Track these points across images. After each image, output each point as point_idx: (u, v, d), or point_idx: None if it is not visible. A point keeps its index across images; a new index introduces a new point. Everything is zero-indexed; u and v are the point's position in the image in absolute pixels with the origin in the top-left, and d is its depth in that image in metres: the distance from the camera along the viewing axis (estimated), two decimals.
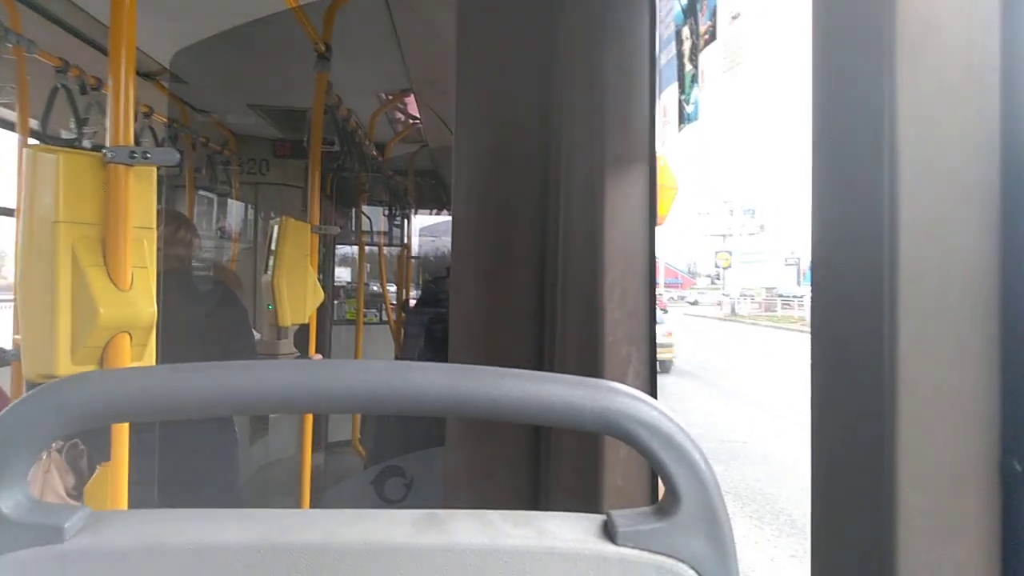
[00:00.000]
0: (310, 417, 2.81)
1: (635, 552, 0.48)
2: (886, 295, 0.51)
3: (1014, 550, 0.49)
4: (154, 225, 1.47)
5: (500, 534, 0.48)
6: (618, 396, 0.49)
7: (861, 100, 0.54)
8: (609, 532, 0.49)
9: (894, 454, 0.50)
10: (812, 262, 0.60)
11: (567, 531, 0.49)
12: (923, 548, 0.50)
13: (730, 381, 13.13)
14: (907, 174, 0.51)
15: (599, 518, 0.51)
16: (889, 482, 0.50)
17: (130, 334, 1.38)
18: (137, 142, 1.55)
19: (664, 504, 0.49)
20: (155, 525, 0.47)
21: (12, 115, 2.69)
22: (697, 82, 1.00)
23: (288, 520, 0.48)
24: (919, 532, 0.50)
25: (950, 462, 0.50)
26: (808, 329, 0.62)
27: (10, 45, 2.27)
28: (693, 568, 0.48)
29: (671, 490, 0.49)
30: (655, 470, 0.49)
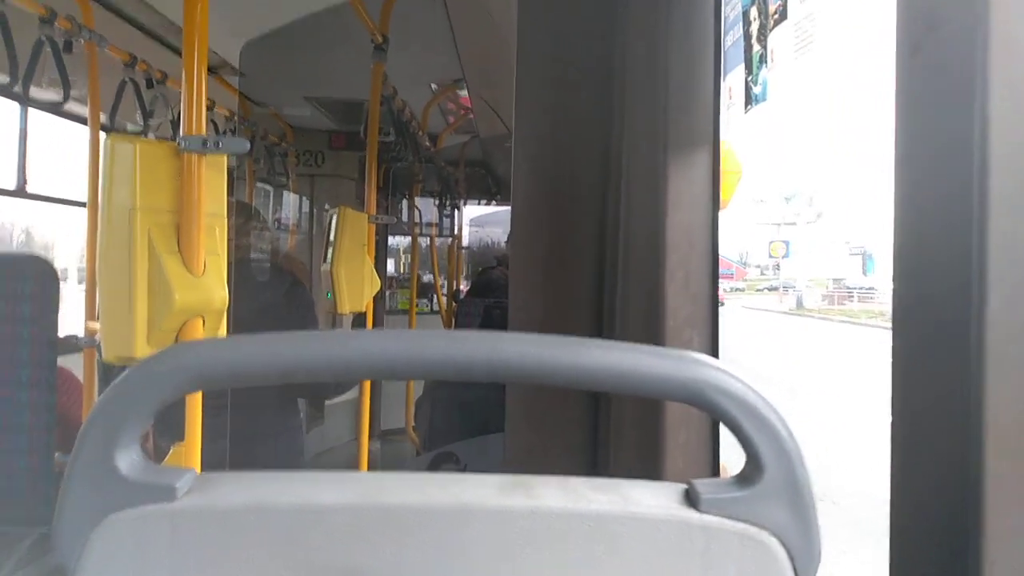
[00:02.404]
0: (366, 403, 2.87)
1: (718, 519, 0.49)
2: (974, 271, 0.51)
3: None
4: (225, 213, 1.51)
5: (583, 499, 0.49)
6: (702, 367, 0.49)
7: (950, 91, 0.54)
8: (691, 499, 0.50)
9: (981, 424, 0.49)
10: (894, 239, 0.59)
11: (649, 498, 0.50)
12: (1010, 517, 0.50)
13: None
14: (999, 160, 0.51)
15: (681, 486, 0.52)
16: (976, 451, 0.50)
17: (203, 318, 1.43)
18: None
19: (746, 474, 0.50)
20: (258, 486, 0.49)
21: (82, 109, 2.79)
22: (765, 62, 0.99)
23: (383, 482, 0.50)
24: (1006, 501, 0.50)
25: None
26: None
27: (83, 41, 2.36)
28: (776, 536, 0.49)
29: (754, 460, 0.49)
30: (738, 440, 0.49)
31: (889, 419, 0.58)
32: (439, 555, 0.47)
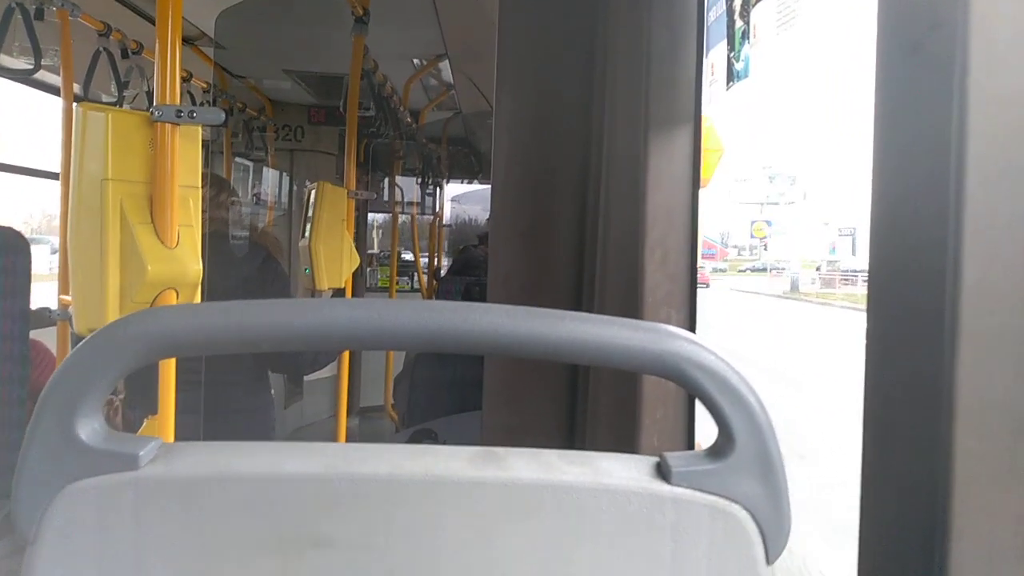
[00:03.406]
0: (345, 379, 2.86)
1: (688, 492, 0.49)
2: (950, 254, 0.51)
3: None
4: (199, 184, 1.49)
5: (555, 470, 0.49)
6: (677, 340, 0.49)
7: (927, 76, 0.53)
8: (663, 472, 0.50)
9: (952, 404, 0.50)
10: (872, 223, 0.59)
11: (621, 470, 0.50)
12: (979, 494, 0.50)
13: None
14: (974, 149, 0.51)
15: (652, 459, 0.51)
16: (946, 431, 0.50)
17: (176, 291, 1.41)
18: None
19: (718, 447, 0.50)
20: (223, 455, 0.49)
21: (55, 79, 2.73)
22: (748, 38, 0.98)
23: (351, 453, 0.49)
24: (976, 477, 0.50)
25: (1008, 408, 0.50)
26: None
27: (55, 8, 2.30)
28: (746, 508, 0.49)
29: (726, 433, 0.49)
30: (710, 413, 0.49)
31: (862, 401, 0.59)
32: (409, 526, 0.47)
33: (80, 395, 0.46)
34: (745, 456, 0.49)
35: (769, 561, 0.49)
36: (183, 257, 1.41)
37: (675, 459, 0.50)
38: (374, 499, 0.47)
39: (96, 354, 0.46)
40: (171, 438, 1.43)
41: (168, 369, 1.43)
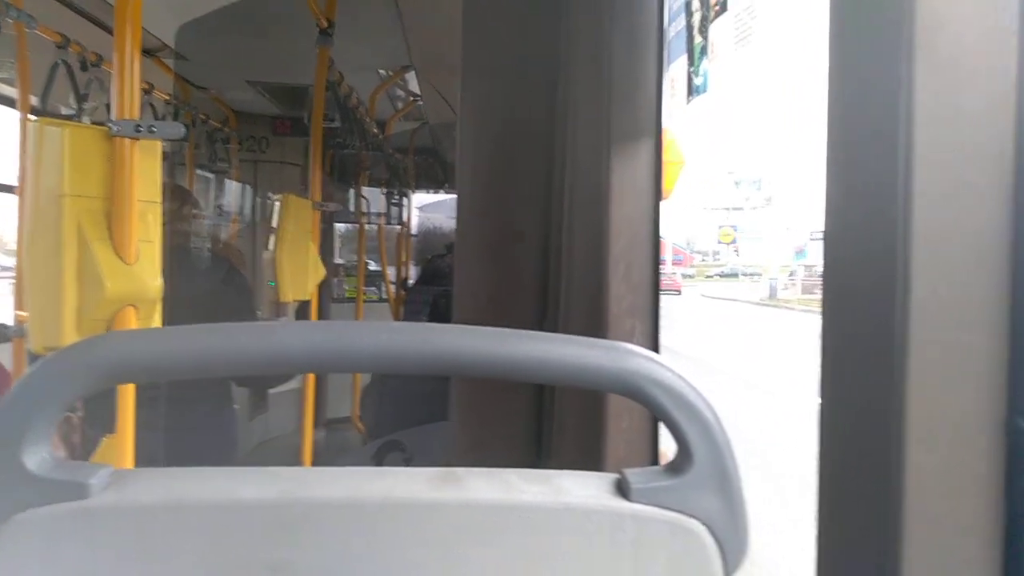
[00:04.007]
0: (311, 393, 2.83)
1: (648, 508, 0.49)
2: (899, 264, 0.52)
3: (1017, 505, 0.51)
4: (159, 199, 1.47)
5: (515, 490, 0.49)
6: (634, 357, 0.49)
7: (876, 92, 0.55)
8: (623, 489, 0.50)
9: (903, 412, 0.51)
10: (825, 229, 0.60)
11: (581, 488, 0.50)
12: (929, 505, 0.51)
13: None
14: (922, 156, 0.52)
15: (612, 476, 0.52)
16: (897, 441, 0.51)
17: (136, 307, 1.39)
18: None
19: (676, 463, 0.50)
20: (176, 482, 0.48)
21: (11, 91, 2.67)
22: (707, 54, 1.00)
23: (307, 477, 0.49)
24: (925, 490, 0.51)
25: (957, 421, 0.51)
26: None
27: (11, 20, 2.26)
28: (705, 524, 0.49)
29: (684, 449, 0.50)
30: (669, 429, 0.50)
31: (818, 406, 0.60)
32: (367, 550, 0.47)
33: (27, 423, 0.45)
34: (703, 472, 0.49)
35: (728, 575, 0.50)
36: (142, 273, 1.39)
37: (635, 476, 0.50)
38: (332, 524, 0.46)
39: (45, 382, 0.45)
40: (130, 457, 1.40)
41: (127, 388, 1.40)
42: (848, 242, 0.58)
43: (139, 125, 1.35)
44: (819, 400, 0.59)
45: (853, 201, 0.57)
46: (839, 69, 0.58)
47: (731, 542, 0.50)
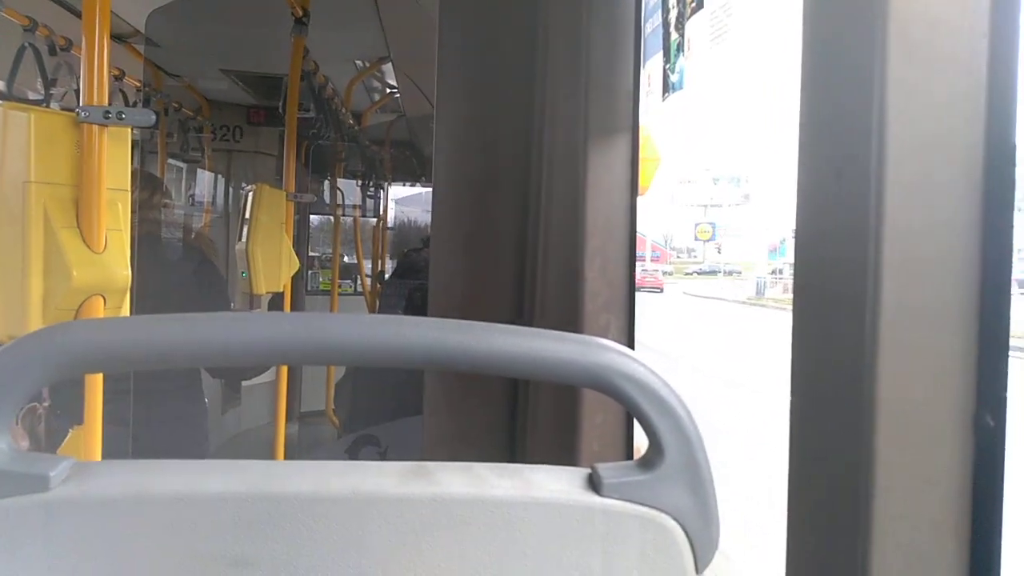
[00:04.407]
0: (284, 386, 2.81)
1: (619, 503, 0.49)
2: (870, 258, 0.52)
3: (984, 501, 0.51)
4: (129, 187, 1.44)
5: (486, 485, 0.49)
6: (607, 352, 0.49)
7: (850, 86, 0.55)
8: (594, 484, 0.50)
9: (874, 409, 0.51)
10: (796, 228, 0.61)
11: (552, 482, 0.50)
12: (899, 500, 0.52)
13: None
14: (894, 155, 0.52)
15: (584, 471, 0.52)
16: (868, 436, 0.51)
17: (104, 297, 1.37)
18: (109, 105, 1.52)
19: (648, 458, 0.50)
20: (139, 475, 0.47)
21: None
22: (683, 51, 1.00)
23: (275, 471, 0.48)
24: (895, 485, 0.52)
25: (927, 419, 0.52)
26: None
27: None
28: (675, 519, 0.49)
29: (655, 444, 0.50)
30: (640, 424, 0.50)
31: (790, 404, 0.60)
32: (335, 546, 0.46)
33: None
34: (674, 467, 0.49)
35: (698, 570, 0.50)
36: (111, 262, 1.36)
37: (606, 470, 0.50)
38: (298, 518, 0.46)
39: (3, 370, 0.44)
40: (98, 450, 1.38)
41: (95, 378, 1.38)
42: (819, 240, 0.58)
43: (108, 111, 1.33)
44: (791, 398, 0.59)
45: (824, 199, 0.58)
46: (812, 64, 0.58)
47: (702, 537, 0.50)
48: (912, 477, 0.52)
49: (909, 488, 0.52)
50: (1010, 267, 0.52)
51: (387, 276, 5.26)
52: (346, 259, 5.39)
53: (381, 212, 5.72)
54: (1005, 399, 0.51)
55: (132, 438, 1.87)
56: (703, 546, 0.50)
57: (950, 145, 0.52)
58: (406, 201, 6.88)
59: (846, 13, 0.56)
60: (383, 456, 3.01)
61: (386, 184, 5.70)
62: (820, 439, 0.58)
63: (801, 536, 0.59)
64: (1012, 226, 0.52)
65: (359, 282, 5.28)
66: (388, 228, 5.73)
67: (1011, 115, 0.51)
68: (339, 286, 4.79)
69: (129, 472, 0.47)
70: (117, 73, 3.21)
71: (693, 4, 0.97)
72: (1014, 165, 0.51)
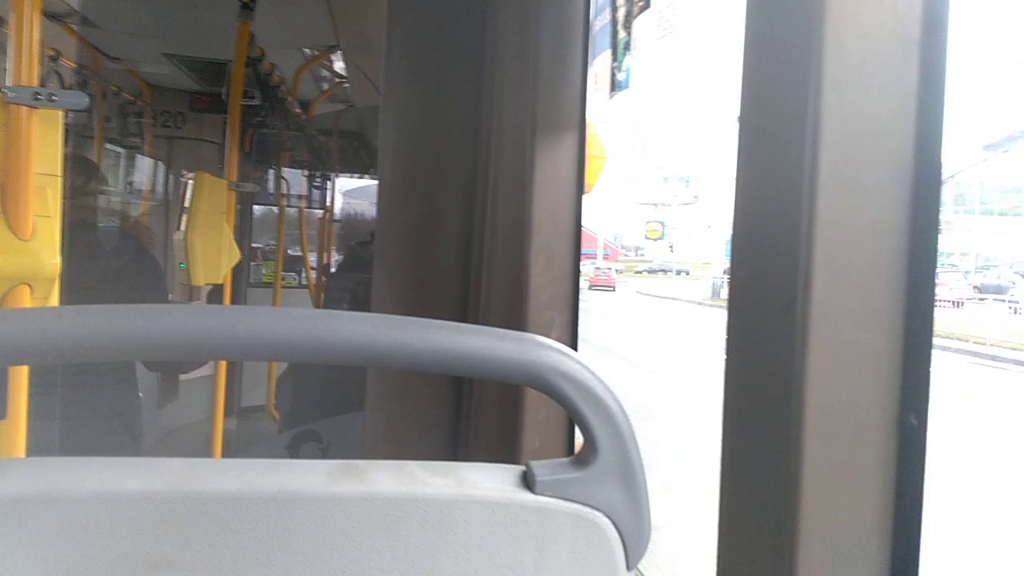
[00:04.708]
0: (222, 379, 2.74)
1: (552, 501, 0.49)
2: (801, 262, 0.53)
3: (907, 498, 0.53)
4: (59, 172, 1.39)
5: (418, 483, 0.48)
6: (542, 349, 0.49)
7: (787, 88, 0.56)
8: (528, 481, 0.50)
9: (802, 408, 0.52)
10: (733, 226, 0.61)
11: (486, 480, 0.50)
12: (825, 496, 0.53)
13: None
14: (827, 148, 0.53)
15: (518, 468, 0.51)
16: (796, 434, 0.52)
17: (30, 286, 1.31)
18: (42, 86, 1.46)
19: (582, 455, 0.50)
20: (55, 472, 0.45)
21: None
22: (630, 49, 1.01)
23: (198, 469, 0.46)
24: (822, 481, 0.53)
25: (853, 417, 0.53)
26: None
27: None
28: (607, 516, 0.49)
29: (589, 441, 0.50)
30: (575, 422, 0.50)
31: (722, 402, 0.61)
32: (261, 546, 0.45)
33: None
34: (608, 464, 0.49)
35: (629, 567, 0.50)
36: (38, 250, 1.31)
37: (540, 468, 0.50)
38: (222, 518, 0.44)
39: None
40: (22, 446, 1.32)
41: (19, 371, 1.33)
42: (753, 241, 0.59)
43: (38, 93, 1.28)
44: (723, 396, 0.60)
45: (759, 200, 0.58)
46: (751, 67, 0.59)
47: (633, 534, 0.50)
48: (838, 475, 0.53)
49: (835, 486, 0.53)
50: (935, 270, 0.53)
51: (333, 270, 5.18)
52: (291, 251, 5.30)
53: (328, 204, 5.63)
54: (928, 399, 0.53)
55: (61, 434, 1.80)
56: (634, 543, 0.50)
57: (881, 148, 0.53)
58: (354, 193, 6.78)
59: (785, 18, 0.57)
60: (324, 452, 2.97)
61: (333, 175, 5.61)
62: (750, 437, 0.58)
63: (731, 532, 0.60)
64: (938, 229, 0.54)
65: (304, 275, 5.20)
66: (335, 220, 5.64)
67: (939, 120, 0.52)
68: (283, 279, 4.70)
69: (44, 470, 0.45)
70: (52, 54, 3.09)
71: (641, 3, 0.98)
72: (941, 169, 0.53)
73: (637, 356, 12.46)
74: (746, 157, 0.61)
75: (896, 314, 0.53)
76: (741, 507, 0.59)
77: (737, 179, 0.60)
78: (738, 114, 0.62)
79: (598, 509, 0.49)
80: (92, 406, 1.99)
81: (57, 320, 0.44)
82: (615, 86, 1.08)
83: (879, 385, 0.53)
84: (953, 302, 20.92)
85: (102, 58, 3.66)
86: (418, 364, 0.48)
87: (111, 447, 2.11)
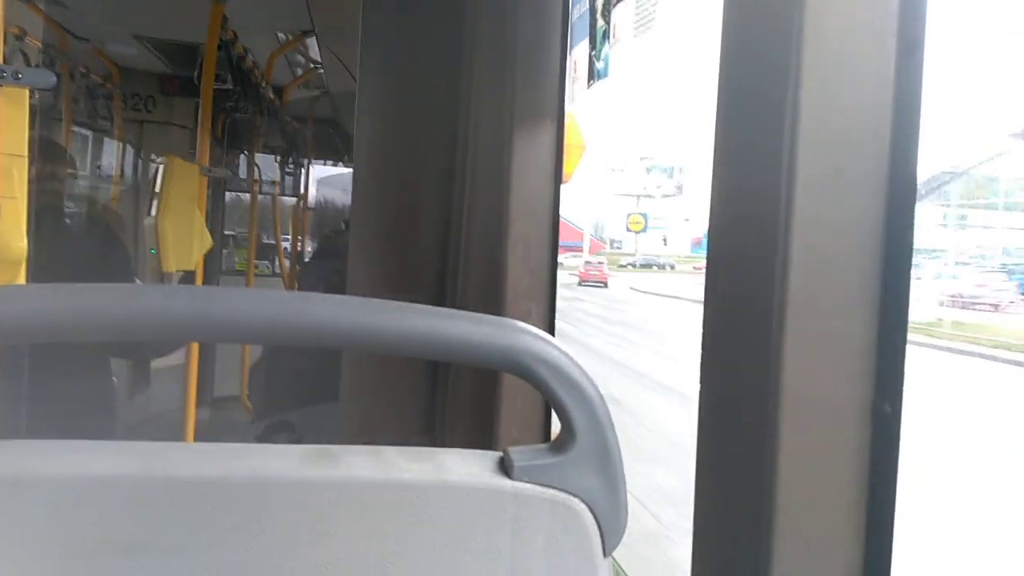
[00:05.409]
0: (194, 368, 2.71)
1: (529, 486, 0.49)
2: (779, 253, 0.53)
3: (880, 483, 0.53)
4: (26, 153, 1.35)
5: (395, 468, 0.48)
6: (521, 334, 0.49)
7: (764, 90, 0.56)
8: (505, 467, 0.50)
9: (778, 395, 0.52)
10: (710, 217, 0.61)
11: (463, 466, 0.49)
12: (800, 482, 0.53)
13: None
14: (805, 139, 0.53)
15: (496, 454, 0.51)
16: (772, 423, 0.52)
17: None
18: (7, 64, 1.43)
19: (559, 441, 0.50)
20: (24, 455, 0.44)
21: None
22: (608, 39, 1.00)
23: (171, 453, 0.46)
24: (797, 467, 0.53)
25: (828, 404, 0.54)
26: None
27: None
28: (584, 502, 0.50)
29: (567, 427, 0.50)
30: (553, 407, 0.50)
31: (699, 393, 0.61)
32: (234, 531, 0.44)
33: None
34: (585, 450, 0.49)
35: (606, 553, 0.50)
36: (4, 232, 1.28)
37: (517, 454, 0.50)
38: (196, 502, 0.44)
39: None
40: None
41: None
42: (731, 233, 0.59)
43: (3, 70, 1.24)
44: (699, 386, 0.60)
45: (737, 191, 0.59)
46: (730, 58, 0.59)
47: (610, 520, 0.50)
48: (813, 463, 0.54)
49: (810, 473, 0.54)
50: (910, 262, 0.54)
51: (307, 258, 5.14)
52: (264, 239, 5.24)
53: (302, 191, 5.57)
54: (902, 388, 0.53)
55: (27, 417, 1.77)
56: (611, 529, 0.50)
57: (858, 141, 0.54)
58: (329, 181, 6.71)
59: (763, 8, 0.57)
60: (298, 442, 2.94)
61: (308, 162, 5.55)
62: (726, 428, 0.59)
63: (707, 522, 0.60)
64: (914, 222, 0.54)
65: (277, 264, 5.14)
66: (309, 208, 5.58)
67: (915, 114, 0.53)
68: (255, 267, 4.65)
69: (12, 452, 0.44)
70: (17, 32, 3.02)
71: None
72: (916, 162, 0.53)
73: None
74: (724, 147, 0.61)
75: (872, 304, 0.53)
76: (716, 496, 0.59)
77: (715, 169, 0.60)
78: (716, 105, 0.62)
79: (575, 495, 0.49)
80: (63, 391, 1.95)
81: (26, 298, 0.43)
82: (593, 75, 1.08)
83: (854, 374, 0.53)
84: (993, 305, 18.26)
85: (70, 38, 3.59)
86: (395, 348, 0.47)
87: (83, 432, 2.07)
